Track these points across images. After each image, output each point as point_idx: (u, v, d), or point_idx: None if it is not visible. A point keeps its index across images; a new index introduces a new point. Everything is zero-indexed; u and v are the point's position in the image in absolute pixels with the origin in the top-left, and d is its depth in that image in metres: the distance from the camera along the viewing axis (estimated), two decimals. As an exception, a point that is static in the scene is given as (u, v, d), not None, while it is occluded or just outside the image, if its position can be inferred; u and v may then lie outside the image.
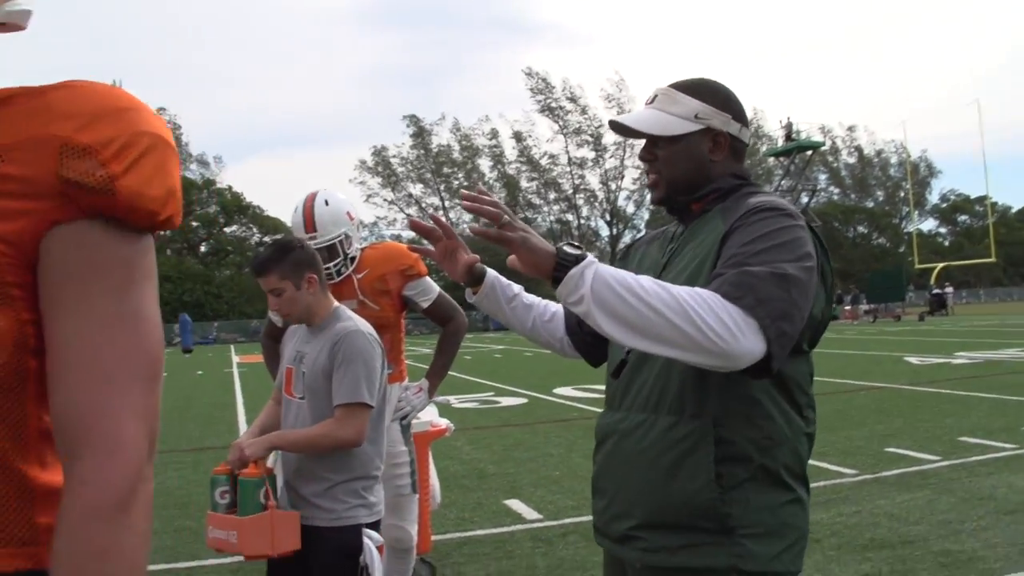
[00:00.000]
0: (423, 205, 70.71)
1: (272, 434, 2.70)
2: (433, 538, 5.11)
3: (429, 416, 4.67)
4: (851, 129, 78.94)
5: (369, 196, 69.50)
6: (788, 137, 48.66)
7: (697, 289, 1.43)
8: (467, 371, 17.84)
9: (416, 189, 70.82)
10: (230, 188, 63.18)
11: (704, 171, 1.72)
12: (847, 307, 41.95)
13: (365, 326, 2.77)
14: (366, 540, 2.64)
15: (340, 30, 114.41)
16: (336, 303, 2.87)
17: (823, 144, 53.92)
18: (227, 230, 61.74)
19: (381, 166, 69.68)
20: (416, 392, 3.62)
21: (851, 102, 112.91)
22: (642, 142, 1.77)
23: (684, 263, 1.68)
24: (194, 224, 61.87)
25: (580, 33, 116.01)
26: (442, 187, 70.51)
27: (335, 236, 3.47)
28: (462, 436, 9.03)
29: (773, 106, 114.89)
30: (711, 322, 1.37)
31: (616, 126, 1.75)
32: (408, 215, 69.65)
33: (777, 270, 1.45)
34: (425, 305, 3.56)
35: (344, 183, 64.97)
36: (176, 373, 22.28)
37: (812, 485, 5.69)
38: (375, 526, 2.73)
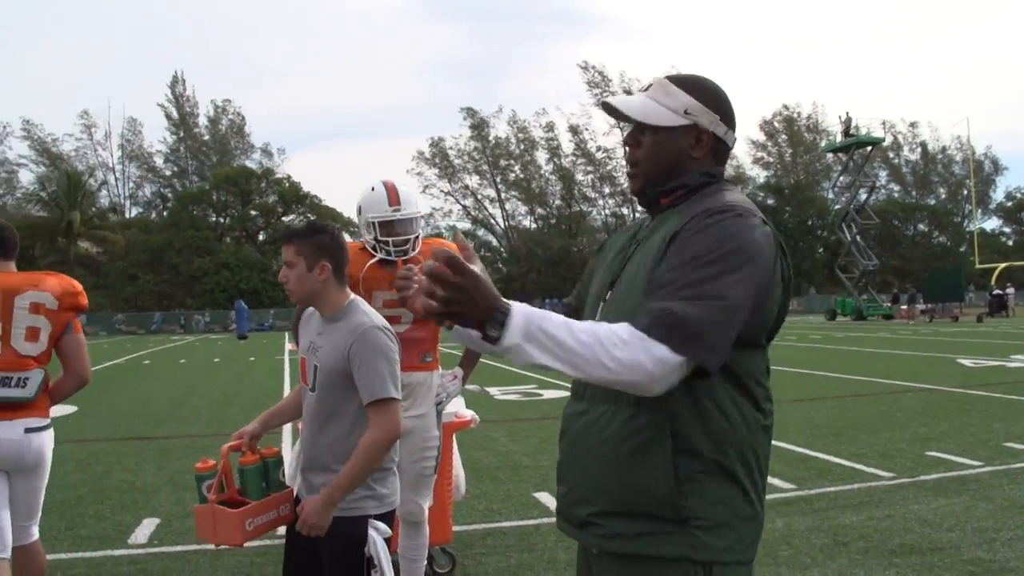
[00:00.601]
0: (479, 196, 71.02)
1: (327, 490, 2.62)
2: (458, 528, 5.14)
3: (455, 407, 4.68)
4: (913, 125, 77.16)
5: (426, 187, 70.13)
6: (847, 132, 47.56)
7: (619, 334, 1.46)
8: (511, 362, 17.83)
9: (472, 180, 71.17)
10: (288, 177, 64.13)
11: (682, 167, 1.73)
12: (903, 306, 41.01)
13: (380, 321, 2.75)
14: (371, 532, 2.64)
15: (401, 23, 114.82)
16: (353, 297, 2.82)
17: (883, 140, 52.51)
18: (285, 219, 62.64)
19: (438, 157, 70.12)
20: (451, 379, 3.78)
21: (914, 97, 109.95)
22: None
23: (639, 259, 1.70)
24: (253, 213, 63.05)
25: (637, 26, 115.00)
26: (498, 179, 70.69)
27: (419, 212, 3.63)
28: (500, 428, 9.06)
29: (833, 100, 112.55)
30: (626, 374, 1.44)
31: (607, 107, 1.77)
32: (464, 206, 70.33)
33: (711, 303, 1.49)
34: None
35: (401, 174, 65.46)
36: (229, 359, 22.73)
37: (846, 487, 5.57)
38: (386, 518, 2.73)
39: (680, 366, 1.47)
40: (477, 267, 1.49)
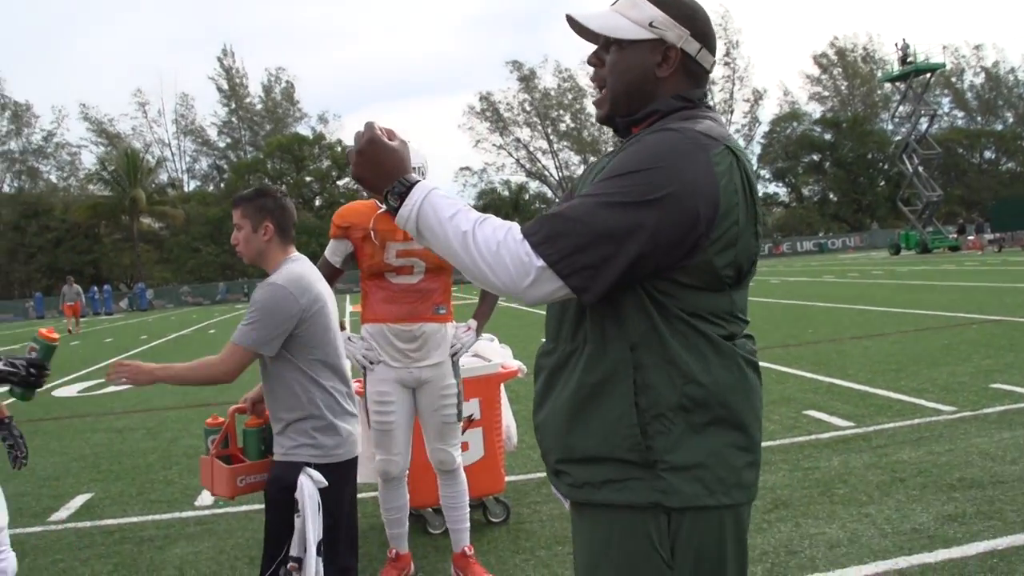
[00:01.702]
0: (531, 149, 70.63)
1: (157, 366, 2.78)
2: (512, 478, 5.19)
3: (501, 358, 4.70)
4: (978, 48, 74.22)
5: (478, 142, 70.12)
6: (904, 60, 45.89)
7: (502, 227, 1.46)
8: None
9: (524, 133, 70.78)
10: (340, 141, 64.47)
11: (648, 87, 1.62)
12: (970, 237, 39.80)
13: (288, 279, 2.82)
14: (302, 477, 2.75)
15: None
16: (291, 256, 2.95)
17: (943, 66, 50.35)
18: (339, 183, 63.20)
19: (489, 111, 69.85)
20: (466, 331, 3.84)
21: (978, 17, 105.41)
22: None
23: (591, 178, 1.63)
24: (308, 179, 63.65)
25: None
26: (549, 130, 70.19)
27: (417, 164, 3.60)
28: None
29: (889, 28, 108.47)
30: (491, 262, 1.43)
31: (569, 20, 1.67)
32: (517, 159, 70.01)
33: (586, 203, 1.44)
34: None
35: (453, 130, 65.22)
36: (292, 323, 23.07)
37: (905, 423, 5.43)
38: (328, 469, 2.81)
39: (542, 272, 1.42)
40: (396, 142, 1.58)
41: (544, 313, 1.69)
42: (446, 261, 3.50)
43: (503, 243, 1.44)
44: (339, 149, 63.31)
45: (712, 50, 1.65)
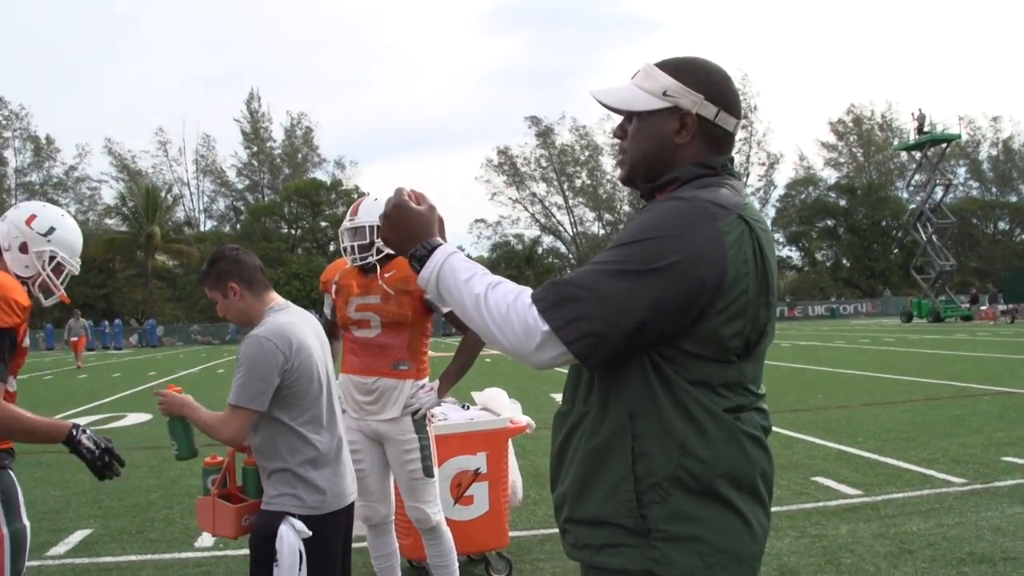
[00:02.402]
0: (546, 204, 71.07)
1: (191, 402, 2.83)
2: (516, 534, 5.14)
3: (510, 413, 4.70)
4: (995, 119, 74.37)
5: (494, 195, 70.52)
6: (920, 130, 46.27)
7: (513, 291, 1.51)
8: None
9: (539, 188, 71.26)
10: (356, 188, 65.07)
11: (667, 156, 1.64)
12: (983, 307, 39.64)
13: (270, 331, 2.79)
14: (283, 527, 2.72)
15: (467, 32, 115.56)
16: (272, 305, 2.93)
17: (959, 137, 50.70)
18: (354, 230, 63.46)
19: (506, 165, 70.45)
20: (427, 391, 3.79)
21: (995, 89, 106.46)
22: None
23: None
24: (323, 224, 64.05)
25: (702, 31, 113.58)
26: (565, 185, 70.65)
27: (366, 222, 3.73)
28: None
29: (906, 97, 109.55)
30: (501, 324, 1.48)
31: (595, 98, 1.73)
32: (532, 214, 70.42)
33: (593, 271, 1.48)
34: (445, 310, 3.64)
35: (470, 182, 65.64)
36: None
37: (915, 493, 5.38)
38: (315, 520, 2.77)
39: (548, 338, 1.45)
40: (423, 207, 1.66)
41: (557, 371, 1.70)
42: (406, 319, 3.65)
43: (512, 306, 1.48)
44: (355, 196, 63.87)
45: (733, 111, 1.66)
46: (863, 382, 13.41)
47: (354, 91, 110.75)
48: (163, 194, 62.45)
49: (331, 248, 64.13)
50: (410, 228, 1.63)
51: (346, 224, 3.80)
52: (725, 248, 1.46)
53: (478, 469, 4.39)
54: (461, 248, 1.89)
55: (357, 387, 3.75)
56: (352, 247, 3.75)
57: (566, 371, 1.70)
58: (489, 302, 1.49)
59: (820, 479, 6.41)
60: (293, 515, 2.75)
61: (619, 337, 1.45)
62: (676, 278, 1.44)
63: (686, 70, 1.63)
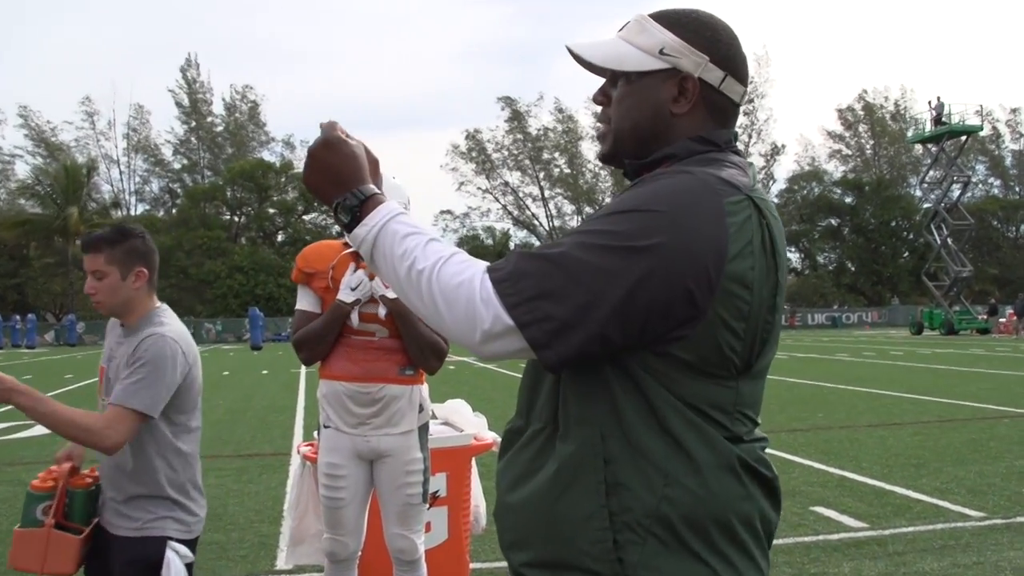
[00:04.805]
0: (520, 194, 71.00)
1: (21, 387, 2.52)
2: (476, 565, 5.06)
3: (474, 428, 4.62)
4: (1015, 111, 75.42)
5: (462, 184, 70.24)
6: (938, 121, 46.78)
7: (470, 263, 1.37)
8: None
9: (513, 177, 71.13)
10: (309, 172, 64.63)
11: (660, 127, 1.51)
12: (1002, 319, 40.15)
13: (177, 334, 2.80)
14: (169, 553, 2.70)
15: (436, 3, 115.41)
16: (160, 305, 2.91)
17: (980, 128, 51.35)
18: (306, 218, 63.18)
19: (475, 151, 70.21)
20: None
21: (1017, 81, 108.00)
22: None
23: None
24: (271, 211, 63.63)
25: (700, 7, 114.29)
26: (541, 174, 70.58)
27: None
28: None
29: (922, 85, 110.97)
30: (449, 302, 1.33)
31: (571, 53, 1.57)
32: (504, 205, 70.37)
33: (565, 242, 1.35)
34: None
35: (435, 170, 65.57)
36: (239, 372, 22.93)
37: (926, 527, 5.36)
38: (191, 545, 2.81)
39: (500, 318, 1.31)
40: (352, 141, 1.52)
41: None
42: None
43: (465, 279, 1.34)
44: (307, 179, 63.31)
45: (741, 78, 1.53)
46: (868, 400, 13.49)
47: (305, 63, 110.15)
48: (86, 171, 61.54)
49: (279, 238, 63.80)
50: (340, 171, 1.48)
51: None
52: (726, 228, 1.34)
53: (437, 492, 4.31)
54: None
55: (354, 398, 3.49)
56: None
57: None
58: (441, 273, 1.34)
59: (820, 509, 6.40)
60: (174, 539, 2.73)
61: (587, 327, 1.31)
62: (663, 261, 1.30)
63: (689, 25, 1.50)
